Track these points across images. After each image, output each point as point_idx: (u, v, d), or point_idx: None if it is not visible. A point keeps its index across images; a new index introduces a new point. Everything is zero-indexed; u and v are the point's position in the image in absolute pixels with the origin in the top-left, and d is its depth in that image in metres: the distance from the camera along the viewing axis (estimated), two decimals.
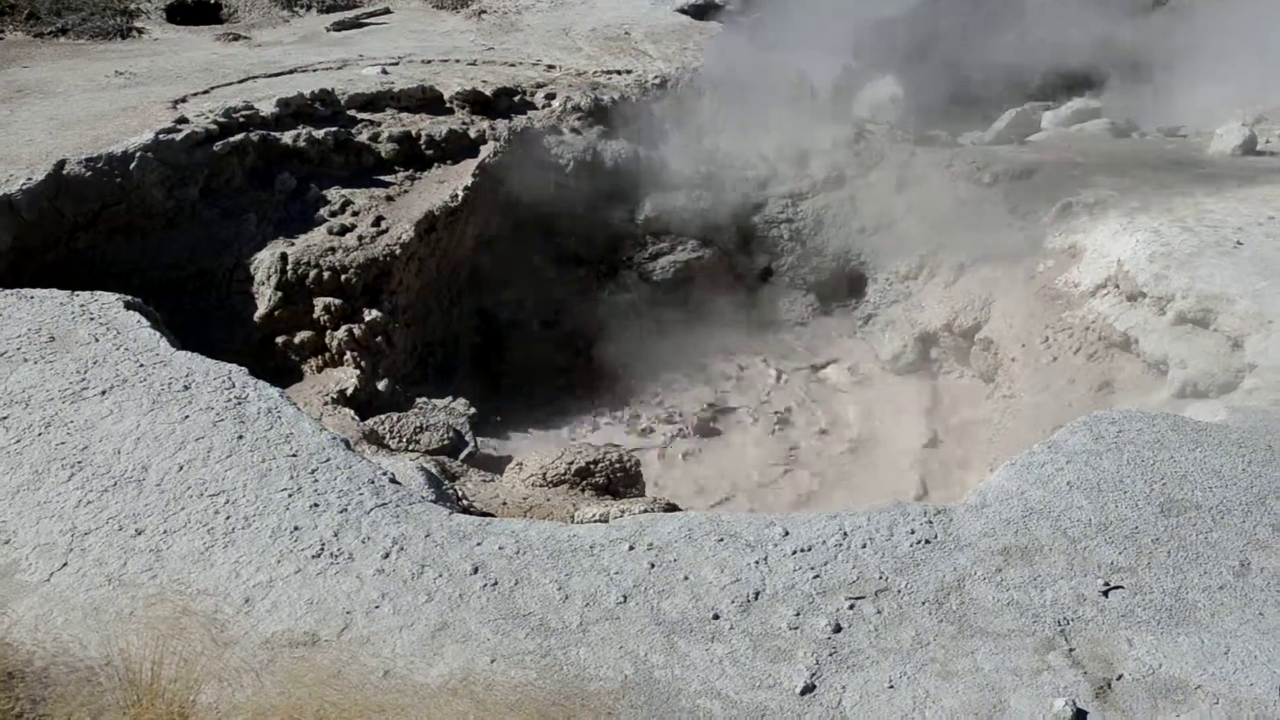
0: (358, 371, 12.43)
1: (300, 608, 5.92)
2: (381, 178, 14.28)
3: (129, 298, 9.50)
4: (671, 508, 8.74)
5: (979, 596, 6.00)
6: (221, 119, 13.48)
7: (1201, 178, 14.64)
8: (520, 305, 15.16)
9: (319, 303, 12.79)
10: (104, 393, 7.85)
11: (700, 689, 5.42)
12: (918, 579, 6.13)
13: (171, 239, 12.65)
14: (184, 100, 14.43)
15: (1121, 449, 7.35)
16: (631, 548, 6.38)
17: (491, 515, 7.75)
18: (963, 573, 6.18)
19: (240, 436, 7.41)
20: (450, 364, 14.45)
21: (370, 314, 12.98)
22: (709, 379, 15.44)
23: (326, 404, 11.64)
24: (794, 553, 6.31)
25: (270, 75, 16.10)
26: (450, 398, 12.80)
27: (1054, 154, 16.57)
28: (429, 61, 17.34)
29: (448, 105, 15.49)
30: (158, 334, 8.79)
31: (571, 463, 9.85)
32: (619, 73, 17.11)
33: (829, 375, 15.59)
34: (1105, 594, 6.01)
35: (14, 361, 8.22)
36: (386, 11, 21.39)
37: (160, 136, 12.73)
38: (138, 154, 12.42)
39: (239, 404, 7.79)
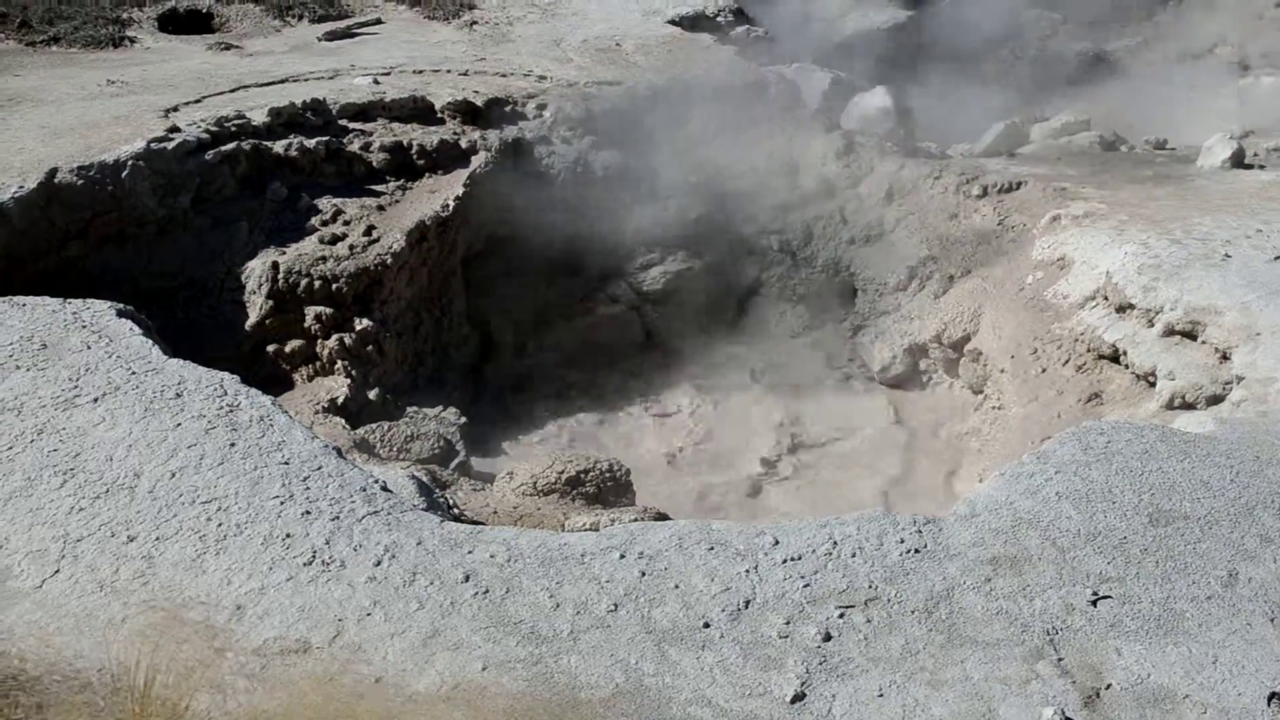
0: (348, 380, 12.43)
1: (292, 615, 5.94)
2: (373, 187, 14.26)
3: (121, 305, 9.50)
4: (662, 517, 8.78)
5: (968, 606, 6.04)
6: (213, 128, 13.47)
7: (1190, 190, 14.71)
8: (511, 315, 15.19)
9: (310, 312, 12.79)
10: (96, 400, 7.86)
11: (691, 697, 5.44)
12: (907, 588, 6.16)
13: (163, 247, 12.63)
14: (176, 109, 14.40)
15: (1110, 460, 7.39)
16: (622, 556, 6.40)
17: (482, 524, 7.76)
18: (952, 582, 6.22)
19: (232, 444, 7.42)
20: (441, 373, 14.46)
21: (361, 323, 12.98)
22: (700, 389, 15.45)
23: (317, 412, 11.64)
24: (784, 561, 6.34)
25: (262, 85, 16.06)
26: (441, 407, 12.83)
27: (1043, 166, 16.63)
28: (420, 72, 17.33)
29: (439, 115, 15.49)
30: (150, 342, 8.80)
31: (562, 472, 9.86)
32: (610, 84, 17.13)
33: (816, 384, 15.64)
34: (1094, 604, 6.05)
35: (6, 369, 8.22)
36: (378, 22, 21.35)
37: (152, 145, 12.71)
38: (129, 162, 12.40)
39: (231, 411, 7.80)
